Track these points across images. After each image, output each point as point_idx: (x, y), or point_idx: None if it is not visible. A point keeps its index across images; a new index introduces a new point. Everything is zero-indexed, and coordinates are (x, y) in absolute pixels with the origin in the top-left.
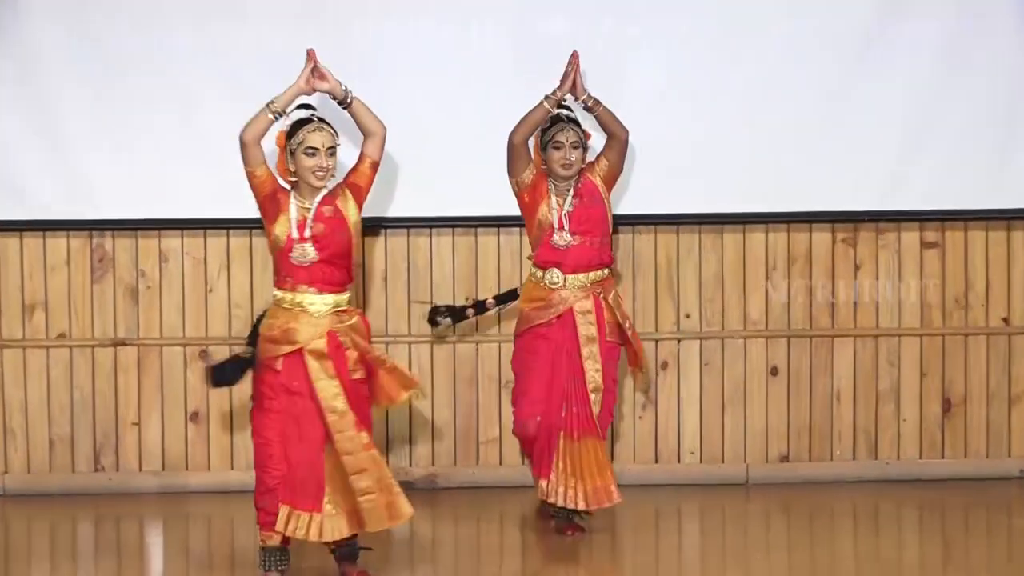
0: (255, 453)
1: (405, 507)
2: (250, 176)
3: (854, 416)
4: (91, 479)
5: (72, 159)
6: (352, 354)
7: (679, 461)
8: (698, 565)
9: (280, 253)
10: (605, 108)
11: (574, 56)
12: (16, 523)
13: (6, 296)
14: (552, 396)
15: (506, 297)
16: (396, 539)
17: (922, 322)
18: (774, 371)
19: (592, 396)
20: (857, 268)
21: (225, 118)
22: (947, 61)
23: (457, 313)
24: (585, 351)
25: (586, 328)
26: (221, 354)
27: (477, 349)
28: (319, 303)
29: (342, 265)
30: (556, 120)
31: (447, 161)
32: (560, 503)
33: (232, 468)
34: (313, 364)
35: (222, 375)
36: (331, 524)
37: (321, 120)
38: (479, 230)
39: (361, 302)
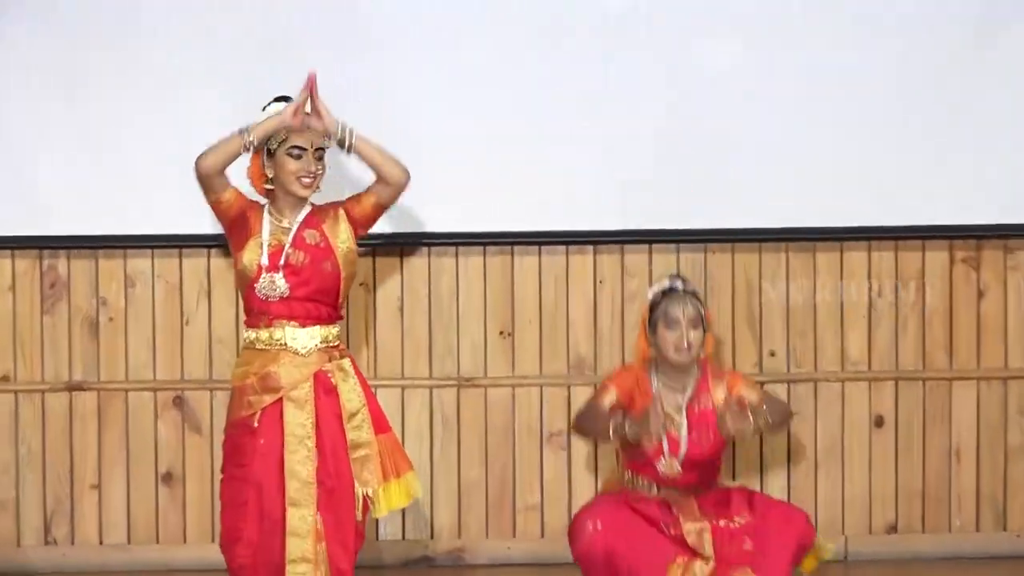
0: (222, 532)
1: None
2: (214, 205)
3: (977, 477)
4: (40, 554)
5: (17, 162)
6: (352, 398)
7: None
8: None
9: (247, 286)
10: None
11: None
12: None
13: None
14: None
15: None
16: None
17: None
18: (879, 421)
19: None
20: (981, 295)
21: (206, 116)
22: None
23: None
24: None
25: None
26: (197, 401)
27: (513, 394)
28: (303, 337)
29: (326, 303)
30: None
31: (476, 166)
32: None
33: (213, 540)
34: (291, 413)
35: None
36: None
37: (307, 113)
38: (516, 248)
39: (371, 336)
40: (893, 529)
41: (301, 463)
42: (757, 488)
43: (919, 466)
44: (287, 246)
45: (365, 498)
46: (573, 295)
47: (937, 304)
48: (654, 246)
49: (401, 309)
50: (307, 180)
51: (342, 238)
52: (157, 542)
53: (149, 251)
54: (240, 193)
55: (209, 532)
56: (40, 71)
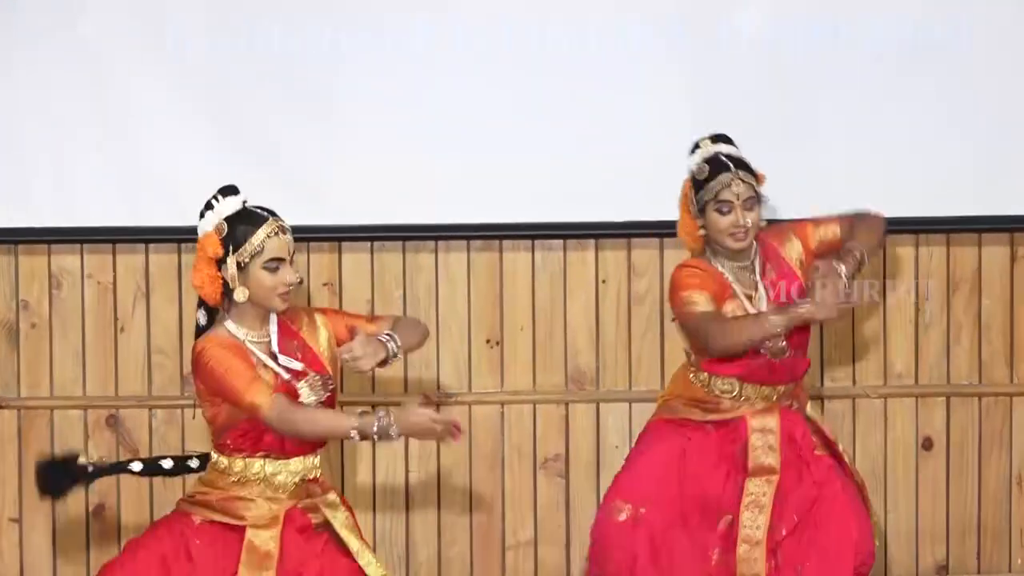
0: None
1: None
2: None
3: None
4: None
5: None
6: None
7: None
8: None
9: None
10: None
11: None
12: None
13: None
14: None
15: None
16: None
17: None
18: (927, 444)
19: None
20: None
21: (145, 92)
22: None
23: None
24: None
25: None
26: (134, 420)
27: (502, 412)
28: (288, 472)
29: None
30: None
31: (460, 147)
32: None
33: None
34: (246, 560)
35: (52, 480)
36: None
37: (277, 217)
38: (505, 243)
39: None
40: (944, 569)
41: None
42: None
43: (974, 495)
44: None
45: None
46: (572, 297)
47: (995, 308)
48: (666, 240)
49: (371, 313)
50: (286, 294)
51: (322, 342)
52: None
53: (78, 246)
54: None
55: None
56: None
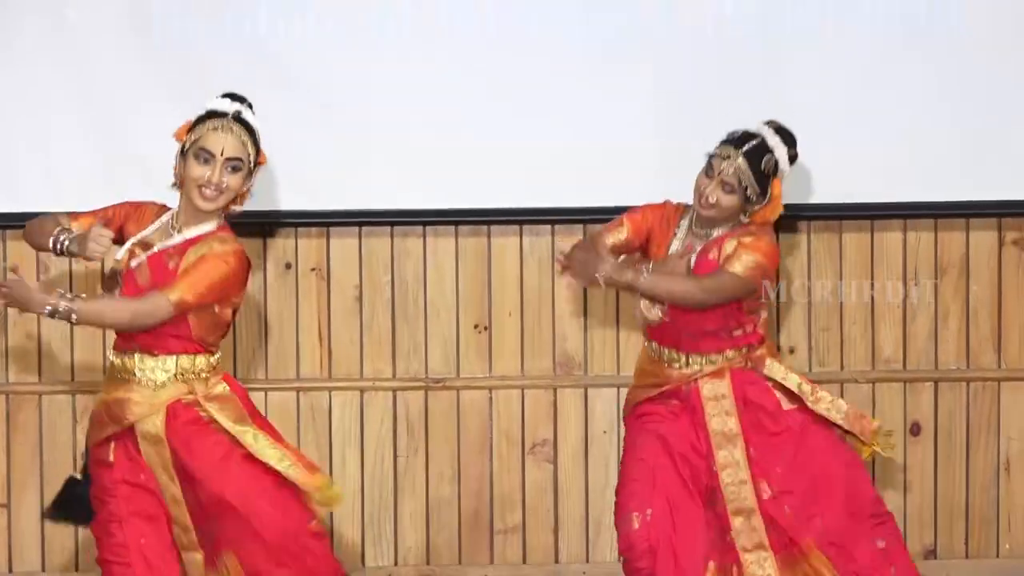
0: None
1: None
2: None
3: None
4: None
5: None
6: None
7: None
8: None
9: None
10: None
11: None
12: None
13: None
14: None
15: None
16: None
17: None
18: (915, 429)
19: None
20: None
21: (130, 77)
22: None
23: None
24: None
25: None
26: None
27: (491, 397)
28: (156, 365)
29: (169, 333)
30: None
31: (448, 131)
32: None
33: None
34: (147, 451)
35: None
36: None
37: (238, 120)
38: (493, 228)
39: (325, 331)
40: (932, 554)
41: (173, 504)
42: None
43: (962, 481)
44: (143, 256)
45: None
46: (560, 282)
47: (983, 293)
48: None
49: (360, 299)
50: (209, 192)
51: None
52: (76, 570)
53: None
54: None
55: None
56: None
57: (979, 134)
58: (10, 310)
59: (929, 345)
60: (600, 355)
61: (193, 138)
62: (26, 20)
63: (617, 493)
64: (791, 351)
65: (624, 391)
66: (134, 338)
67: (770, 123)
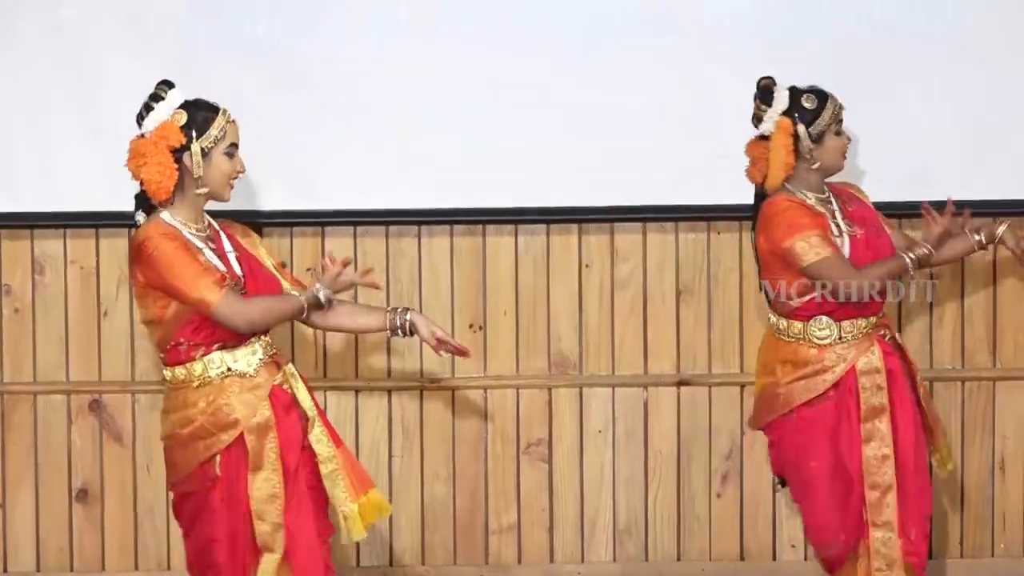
0: None
1: None
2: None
3: None
4: None
5: None
6: (310, 406)
7: (774, 558)
8: None
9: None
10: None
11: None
12: None
13: None
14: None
15: None
16: None
17: None
18: None
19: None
20: None
21: (128, 76)
22: None
23: None
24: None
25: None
26: (120, 405)
27: (486, 397)
28: (248, 353)
29: None
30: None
31: (443, 134)
32: None
33: (136, 568)
34: (253, 448)
35: None
36: None
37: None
38: (488, 228)
39: (321, 332)
40: (927, 553)
41: (267, 502)
42: (768, 508)
43: (956, 480)
44: (231, 250)
45: (329, 524)
46: (555, 282)
47: (978, 292)
48: (648, 224)
49: (355, 298)
50: (234, 182)
51: (259, 248)
52: (71, 570)
53: (61, 231)
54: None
55: (131, 558)
56: None
57: (975, 134)
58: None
59: (924, 345)
60: (595, 355)
61: (217, 135)
62: (25, 20)
63: (813, 510)
64: None
65: (619, 390)
66: (214, 336)
67: (768, 78)
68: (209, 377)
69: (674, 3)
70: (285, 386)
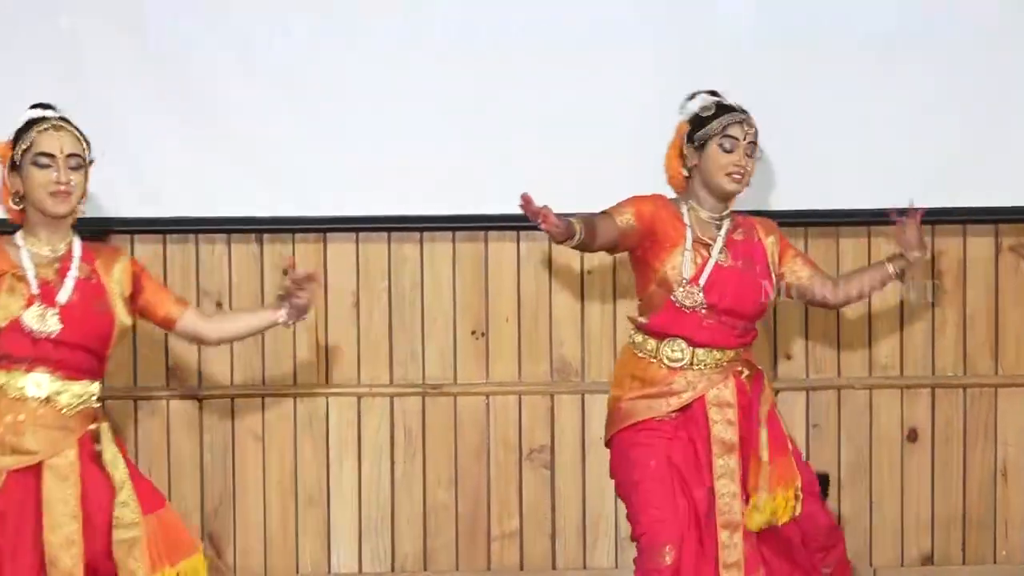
0: None
1: None
2: None
3: None
4: None
5: None
6: (118, 467)
7: None
8: None
9: (7, 325)
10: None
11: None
12: None
13: None
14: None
15: None
16: None
17: None
18: (912, 435)
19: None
20: None
21: (125, 86)
22: None
23: None
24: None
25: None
26: (119, 412)
27: (488, 403)
28: (67, 394)
29: (96, 354)
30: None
31: (445, 141)
32: None
33: None
34: (51, 487)
35: None
36: None
37: (63, 119)
38: (490, 234)
39: (322, 338)
40: (929, 560)
41: (63, 547)
42: None
43: (959, 487)
44: (57, 280)
45: None
46: (557, 288)
47: (980, 299)
48: None
49: (356, 305)
50: (61, 193)
51: (115, 279)
52: None
53: None
54: None
55: None
56: None
57: (976, 141)
58: None
59: (926, 351)
60: (597, 361)
61: (24, 147)
62: (20, 26)
63: (638, 518)
64: (788, 357)
65: None
66: (41, 356)
67: (710, 92)
68: (21, 395)
69: (672, 10)
70: (96, 441)
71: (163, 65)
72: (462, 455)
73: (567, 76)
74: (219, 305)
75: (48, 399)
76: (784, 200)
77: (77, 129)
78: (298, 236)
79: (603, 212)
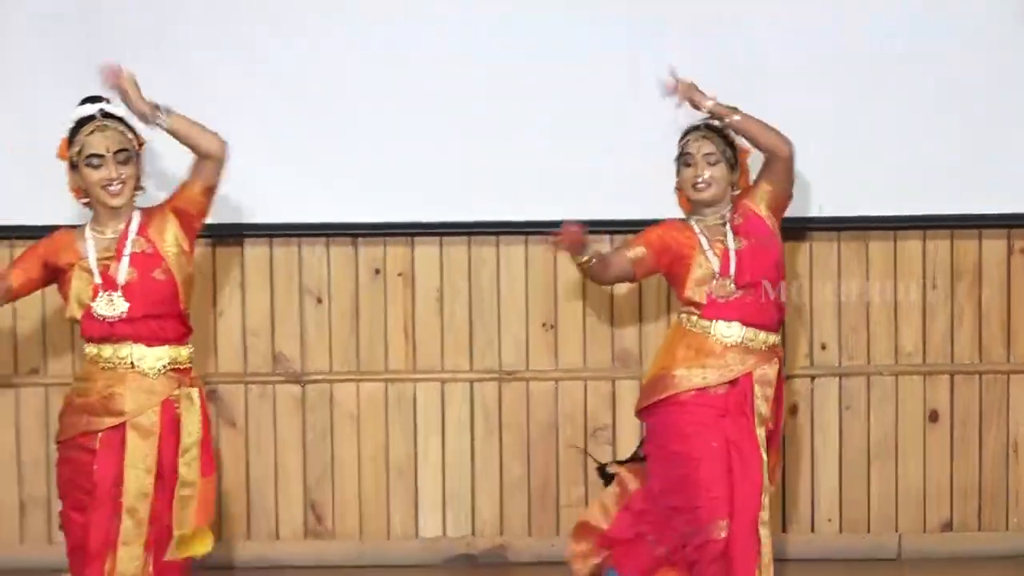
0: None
1: None
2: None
3: None
4: None
5: None
6: (193, 431)
7: (813, 530)
8: None
9: (84, 312)
10: (746, 116)
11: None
12: None
13: None
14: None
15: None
16: None
17: None
18: (933, 416)
19: None
20: None
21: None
22: None
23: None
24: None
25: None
26: (233, 395)
27: (557, 388)
28: (150, 358)
29: (170, 315)
30: (690, 131)
31: (519, 153)
32: None
33: (249, 537)
34: (134, 444)
35: None
36: None
37: (107, 115)
38: None
39: (410, 330)
40: (948, 527)
41: (139, 499)
42: (808, 485)
43: (975, 462)
44: (121, 261)
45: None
46: (618, 285)
47: (994, 295)
48: None
49: (440, 300)
50: (114, 188)
51: (169, 239)
52: (20, 543)
53: None
54: (27, 264)
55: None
56: None
57: (992, 153)
58: None
59: (946, 341)
60: (653, 350)
61: (77, 149)
62: (19, 26)
63: (697, 493)
64: (823, 347)
65: None
66: (119, 333)
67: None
68: (112, 360)
69: (673, 23)
70: (177, 405)
71: (276, 85)
72: (534, 433)
73: (613, 86)
74: (319, 301)
75: (133, 365)
76: (821, 209)
77: (122, 121)
78: (389, 239)
79: (616, 248)
